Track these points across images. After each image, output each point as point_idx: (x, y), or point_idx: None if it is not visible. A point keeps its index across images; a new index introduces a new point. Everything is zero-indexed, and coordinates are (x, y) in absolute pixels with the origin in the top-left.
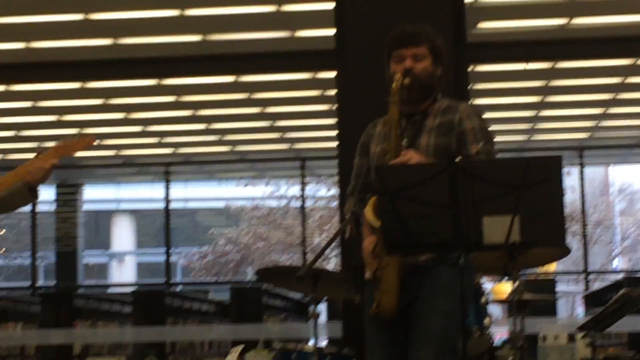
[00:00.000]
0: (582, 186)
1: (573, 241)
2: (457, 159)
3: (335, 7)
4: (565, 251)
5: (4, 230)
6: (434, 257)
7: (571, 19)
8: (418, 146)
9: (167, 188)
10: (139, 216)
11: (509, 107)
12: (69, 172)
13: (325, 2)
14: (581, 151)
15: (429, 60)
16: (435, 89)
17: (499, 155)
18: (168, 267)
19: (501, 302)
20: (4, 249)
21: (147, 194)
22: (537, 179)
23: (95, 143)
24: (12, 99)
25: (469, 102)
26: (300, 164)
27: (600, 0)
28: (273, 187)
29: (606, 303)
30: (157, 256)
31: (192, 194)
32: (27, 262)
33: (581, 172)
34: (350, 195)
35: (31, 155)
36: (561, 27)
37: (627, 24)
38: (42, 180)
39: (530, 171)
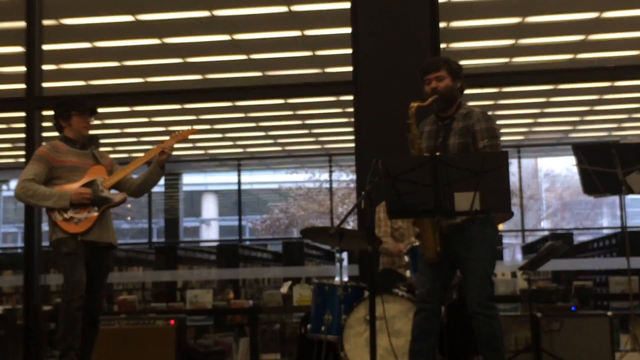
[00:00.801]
0: (519, 172)
1: (513, 209)
2: (437, 154)
3: (353, 52)
4: (509, 216)
5: (130, 204)
6: (467, 219)
7: (511, 59)
8: (448, 145)
9: (239, 176)
10: (220, 195)
11: None
12: (173, 165)
13: (345, 48)
14: (518, 148)
15: (448, 79)
16: (457, 98)
17: None
18: (240, 228)
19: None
20: (129, 217)
21: (226, 179)
22: (491, 167)
23: (196, 132)
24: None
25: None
26: (328, 158)
27: (531, 43)
28: (310, 174)
29: (537, 251)
30: (232, 221)
31: (256, 179)
32: (145, 225)
33: (519, 163)
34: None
35: None
36: (505, 64)
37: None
38: (168, 158)
39: (486, 162)
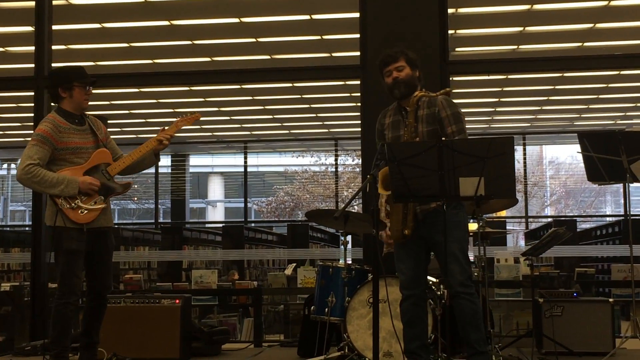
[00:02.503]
0: (524, 159)
1: (518, 196)
2: (443, 139)
3: (360, 36)
4: (514, 201)
5: (137, 185)
6: (440, 204)
7: (519, 46)
8: (418, 133)
9: (245, 158)
10: (227, 176)
11: (478, 105)
12: (180, 146)
13: (353, 33)
14: (524, 135)
15: (407, 68)
16: (417, 86)
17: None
18: (246, 210)
19: (469, 235)
20: (136, 198)
21: (232, 161)
22: (497, 152)
23: (200, 118)
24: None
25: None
26: (334, 142)
27: (541, 30)
28: (316, 157)
29: (540, 237)
30: (238, 203)
31: (262, 162)
32: (152, 206)
33: (524, 149)
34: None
35: None
36: (512, 51)
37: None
38: (166, 145)
39: (492, 147)
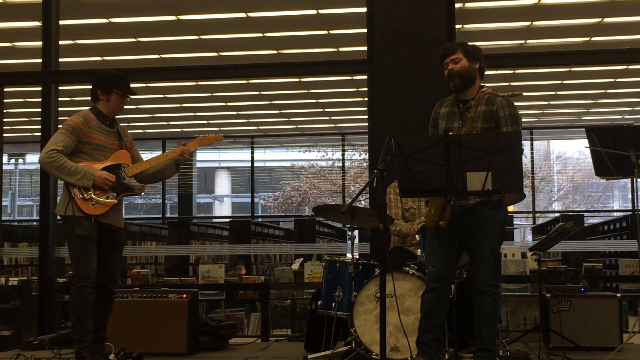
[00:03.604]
0: (532, 154)
1: (525, 191)
2: (450, 133)
3: (367, 31)
4: (521, 196)
5: None
6: (481, 201)
7: (526, 40)
8: (470, 128)
9: (252, 153)
10: (234, 171)
11: None
12: (187, 141)
13: (360, 28)
14: (531, 130)
15: (464, 60)
16: (475, 78)
17: None
18: (253, 205)
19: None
20: (143, 193)
21: (239, 156)
22: (504, 147)
23: (222, 140)
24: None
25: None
26: (341, 137)
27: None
28: (322, 152)
29: (547, 233)
30: (245, 198)
31: (269, 157)
32: (159, 201)
33: (531, 144)
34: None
35: None
36: (520, 46)
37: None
38: (186, 159)
39: (499, 142)
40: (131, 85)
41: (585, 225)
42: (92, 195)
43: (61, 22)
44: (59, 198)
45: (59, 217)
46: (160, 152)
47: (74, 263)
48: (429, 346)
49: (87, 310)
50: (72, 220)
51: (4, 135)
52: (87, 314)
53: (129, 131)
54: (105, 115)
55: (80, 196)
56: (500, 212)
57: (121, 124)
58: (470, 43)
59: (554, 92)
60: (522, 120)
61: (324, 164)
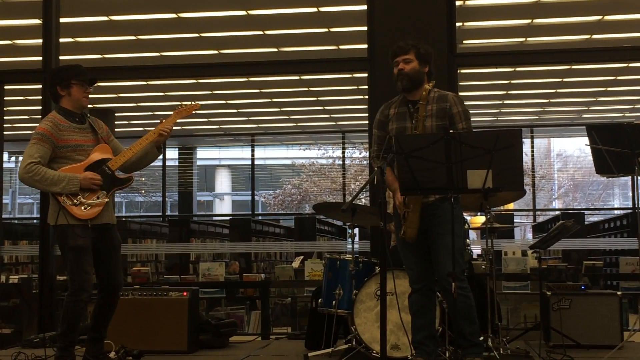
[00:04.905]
0: (532, 152)
1: (525, 188)
2: (451, 131)
3: (368, 29)
4: (521, 194)
5: (144, 177)
6: (440, 198)
7: (526, 38)
8: (425, 127)
9: (253, 150)
10: (234, 169)
11: (485, 97)
12: (187, 139)
13: (360, 25)
14: (532, 128)
15: (415, 62)
16: (423, 81)
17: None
18: (253, 203)
19: (477, 228)
20: (143, 190)
21: (239, 154)
22: (504, 144)
23: (199, 109)
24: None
25: (454, 93)
26: (342, 135)
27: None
28: (323, 150)
29: (548, 231)
30: (245, 196)
31: (269, 154)
32: (160, 199)
33: (532, 142)
34: (375, 157)
35: None
36: (520, 44)
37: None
38: (166, 137)
39: (500, 139)
40: (132, 83)
41: (586, 223)
42: (82, 200)
43: (61, 20)
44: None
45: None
46: (161, 151)
47: (69, 275)
48: (425, 344)
49: (76, 324)
50: (65, 230)
51: (5, 133)
52: (75, 328)
53: (129, 129)
54: (72, 112)
55: (70, 202)
56: (459, 207)
57: (120, 122)
58: (424, 45)
59: (554, 90)
60: (523, 118)
61: (324, 161)
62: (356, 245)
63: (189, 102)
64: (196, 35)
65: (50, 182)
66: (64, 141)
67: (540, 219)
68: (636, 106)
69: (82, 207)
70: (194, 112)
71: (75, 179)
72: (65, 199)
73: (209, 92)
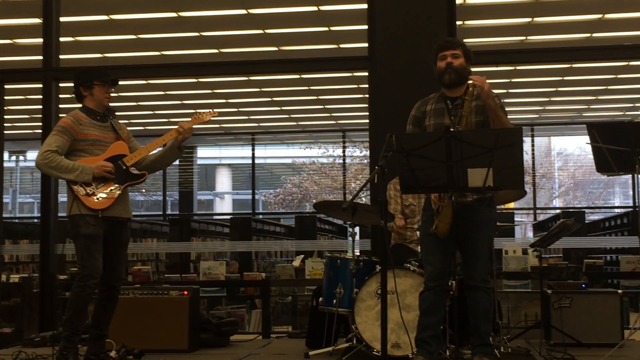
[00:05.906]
0: (532, 150)
1: (526, 187)
2: (451, 130)
3: (368, 28)
4: (522, 193)
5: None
6: (478, 198)
7: (527, 37)
8: (467, 123)
9: (253, 150)
10: (234, 168)
11: None
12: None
13: (361, 24)
14: (532, 126)
15: (462, 58)
16: (467, 79)
17: None
18: (253, 202)
19: None
20: (144, 189)
21: (240, 153)
22: (505, 143)
23: (217, 115)
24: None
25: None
26: (342, 133)
27: (548, 21)
28: (323, 149)
29: (548, 229)
30: (246, 195)
31: (269, 153)
32: (160, 198)
33: (532, 141)
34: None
35: None
36: (521, 42)
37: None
38: (187, 137)
39: (500, 138)
40: (132, 82)
41: (587, 221)
42: (95, 190)
43: (62, 19)
44: (60, 196)
45: (63, 214)
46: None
47: (79, 261)
48: (428, 343)
49: (83, 311)
50: (78, 219)
51: (5, 132)
52: (82, 314)
53: (129, 128)
54: (94, 111)
55: (83, 192)
56: (494, 211)
57: (121, 121)
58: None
59: (555, 89)
60: (523, 116)
61: (324, 160)
62: (357, 244)
63: (208, 110)
64: (196, 34)
65: (64, 170)
66: (83, 134)
67: (541, 217)
68: (637, 104)
69: (95, 198)
70: (210, 119)
71: (89, 168)
72: (79, 188)
73: (209, 91)
